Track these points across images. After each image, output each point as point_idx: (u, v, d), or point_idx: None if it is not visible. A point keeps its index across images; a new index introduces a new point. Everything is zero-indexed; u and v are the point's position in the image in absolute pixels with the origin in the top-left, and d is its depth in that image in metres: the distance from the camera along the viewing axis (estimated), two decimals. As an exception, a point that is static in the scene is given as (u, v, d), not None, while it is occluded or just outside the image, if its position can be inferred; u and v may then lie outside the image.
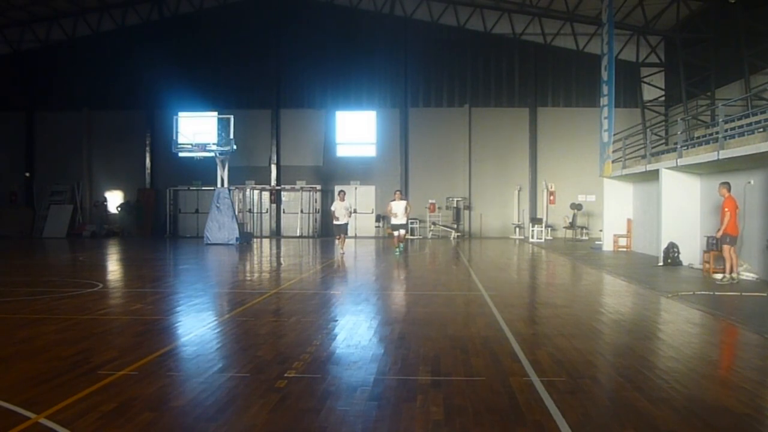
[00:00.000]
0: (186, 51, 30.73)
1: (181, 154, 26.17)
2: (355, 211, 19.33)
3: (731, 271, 12.09)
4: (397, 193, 18.92)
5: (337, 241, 19.77)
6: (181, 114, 25.89)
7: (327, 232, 30.59)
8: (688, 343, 7.06)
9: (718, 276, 12.33)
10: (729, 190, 12.24)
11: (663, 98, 28.46)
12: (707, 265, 13.57)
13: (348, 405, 4.71)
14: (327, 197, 30.94)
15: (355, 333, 7.34)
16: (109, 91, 31.33)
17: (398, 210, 18.15)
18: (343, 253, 19.06)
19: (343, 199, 19.09)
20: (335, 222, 19.25)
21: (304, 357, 6.14)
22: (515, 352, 6.35)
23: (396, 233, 18.66)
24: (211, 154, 25.22)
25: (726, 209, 11.94)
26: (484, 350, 6.44)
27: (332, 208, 19.31)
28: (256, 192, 30.75)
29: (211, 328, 7.83)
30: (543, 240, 26.57)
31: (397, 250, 18.49)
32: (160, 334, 7.45)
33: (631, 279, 12.77)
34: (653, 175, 16.87)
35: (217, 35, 30.88)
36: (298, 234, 30.56)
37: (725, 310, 8.93)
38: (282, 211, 31.29)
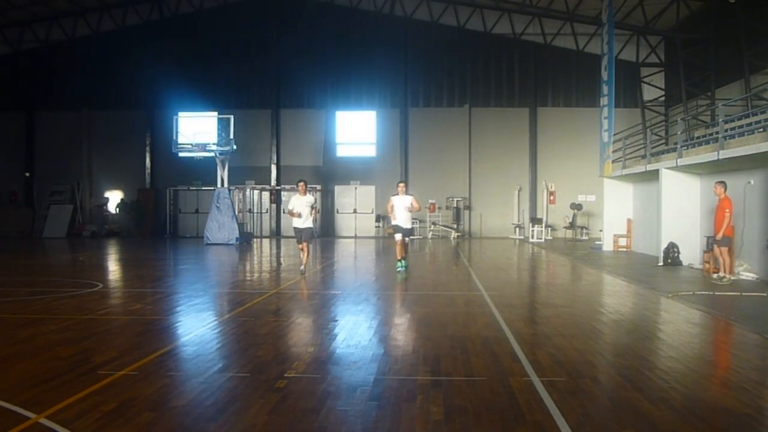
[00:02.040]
0: (186, 51, 30.73)
1: (181, 154, 26.20)
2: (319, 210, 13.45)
3: (730, 271, 12.11)
4: (401, 185, 13.92)
5: (301, 254, 13.68)
6: (181, 114, 25.91)
7: (326, 231, 30.64)
8: (688, 343, 7.06)
9: (714, 275, 12.37)
10: (725, 189, 12.24)
11: (663, 98, 28.46)
12: (707, 265, 13.57)
13: (348, 405, 4.71)
14: (327, 197, 30.98)
15: (355, 333, 7.34)
16: (109, 91, 31.33)
17: (401, 207, 13.43)
18: (304, 271, 13.54)
19: (304, 192, 13.36)
20: (294, 224, 13.57)
21: (304, 357, 6.14)
22: (515, 352, 6.35)
23: (397, 237, 13.63)
24: (211, 154, 25.24)
25: (727, 211, 11.93)
26: (484, 350, 6.44)
27: (290, 206, 13.51)
28: (256, 192, 30.75)
29: (211, 328, 7.83)
30: (543, 240, 26.57)
31: (400, 265, 13.63)
32: (160, 334, 7.45)
33: (631, 279, 12.77)
34: (653, 175, 16.86)
35: (217, 35, 30.90)
36: (298, 234, 30.50)
37: (725, 310, 8.92)
38: (282, 211, 31.27)
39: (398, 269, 13.60)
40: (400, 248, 13.60)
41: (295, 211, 13.21)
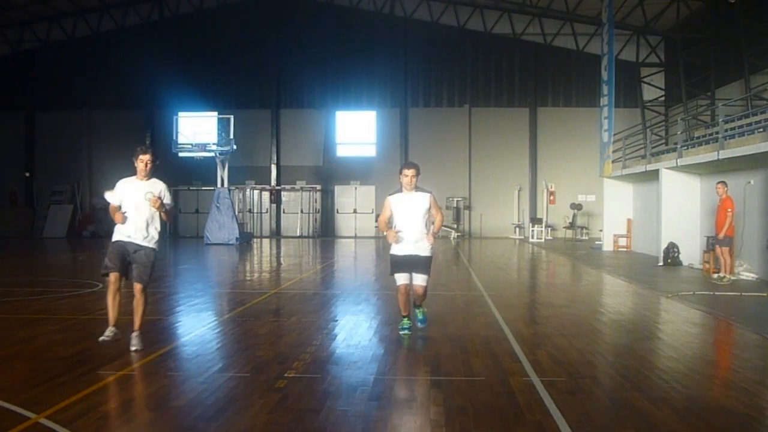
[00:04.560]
0: (186, 51, 30.72)
1: (181, 154, 26.20)
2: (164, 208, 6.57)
3: (730, 271, 12.12)
4: (408, 173, 6.73)
5: (108, 297, 6.43)
6: (181, 114, 25.93)
7: (326, 231, 30.63)
8: (688, 343, 7.06)
9: (714, 275, 12.38)
10: (727, 189, 12.25)
11: (663, 98, 28.44)
12: (707, 265, 13.57)
13: (348, 405, 4.71)
14: (327, 197, 30.96)
15: (355, 333, 7.34)
16: (109, 91, 31.32)
17: (409, 220, 6.76)
18: (137, 333, 6.40)
19: (146, 175, 6.46)
20: (121, 236, 6.35)
21: (304, 357, 6.13)
22: (515, 352, 6.35)
23: (399, 279, 6.84)
24: (211, 154, 25.26)
25: (729, 210, 11.94)
26: (484, 350, 6.44)
27: (112, 198, 6.50)
28: (256, 192, 30.75)
29: (211, 328, 7.83)
30: (543, 240, 26.57)
31: (406, 324, 7.05)
32: (160, 334, 7.44)
33: (631, 279, 12.77)
34: (653, 175, 16.87)
35: (217, 35, 30.86)
36: (298, 234, 30.54)
37: (725, 310, 8.93)
38: (282, 211, 31.28)
39: (402, 329, 7.08)
40: (404, 298, 6.91)
41: (120, 213, 6.32)
